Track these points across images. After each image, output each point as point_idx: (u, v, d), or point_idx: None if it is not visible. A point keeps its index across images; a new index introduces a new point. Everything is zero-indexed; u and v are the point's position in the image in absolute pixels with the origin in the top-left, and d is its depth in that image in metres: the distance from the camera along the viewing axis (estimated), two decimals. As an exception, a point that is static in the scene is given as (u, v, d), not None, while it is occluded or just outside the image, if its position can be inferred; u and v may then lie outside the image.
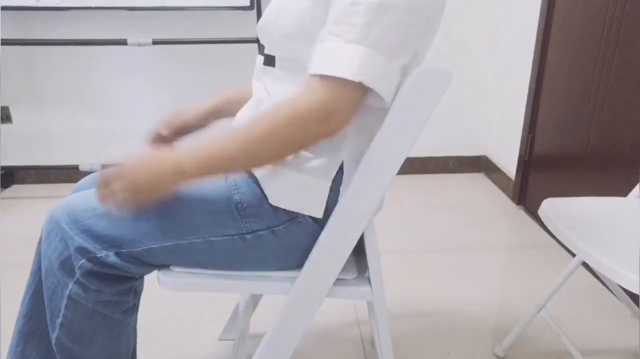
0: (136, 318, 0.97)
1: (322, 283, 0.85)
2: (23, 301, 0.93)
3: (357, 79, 0.72)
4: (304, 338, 1.40)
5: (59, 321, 0.85)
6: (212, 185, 0.85)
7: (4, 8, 2.09)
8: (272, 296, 0.90)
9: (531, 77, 2.14)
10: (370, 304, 0.95)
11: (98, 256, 0.81)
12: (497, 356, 1.34)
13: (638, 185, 1.23)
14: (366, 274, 0.89)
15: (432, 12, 0.78)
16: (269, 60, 0.86)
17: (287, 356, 0.89)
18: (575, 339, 1.40)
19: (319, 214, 0.83)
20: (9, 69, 2.34)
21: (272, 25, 0.84)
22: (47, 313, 0.87)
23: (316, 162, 0.82)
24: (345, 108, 0.75)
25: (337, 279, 0.86)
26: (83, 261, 0.81)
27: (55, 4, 2.10)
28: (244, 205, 0.83)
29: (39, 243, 0.91)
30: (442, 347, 1.38)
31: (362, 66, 0.72)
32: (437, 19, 0.82)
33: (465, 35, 2.44)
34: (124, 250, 0.82)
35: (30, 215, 2.20)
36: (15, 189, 2.48)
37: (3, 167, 2.44)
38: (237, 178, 0.86)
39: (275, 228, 0.84)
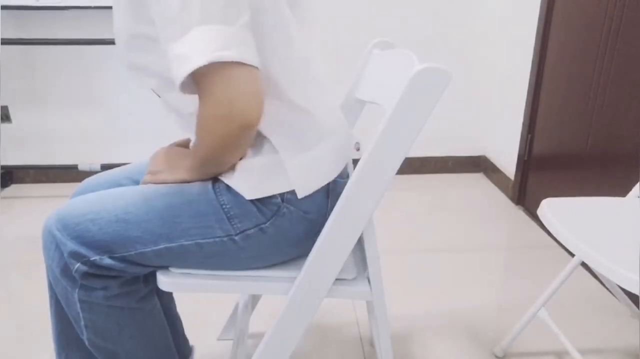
0: (160, 305, 0.96)
1: (322, 283, 0.85)
2: (50, 312, 0.94)
3: (207, 60, 0.66)
4: (304, 338, 1.40)
5: (82, 324, 0.86)
6: (198, 188, 0.84)
7: (4, 8, 2.08)
8: (272, 296, 0.90)
9: (531, 76, 2.14)
10: (370, 304, 0.95)
11: (92, 259, 0.81)
12: (497, 356, 1.34)
13: (638, 185, 1.23)
14: (366, 274, 0.89)
15: None
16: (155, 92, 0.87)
17: (287, 356, 0.89)
18: (575, 339, 1.40)
19: (294, 186, 0.82)
20: (8, 69, 2.34)
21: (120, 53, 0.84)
22: (71, 318, 0.88)
23: (262, 144, 0.82)
24: (235, 90, 0.69)
25: (337, 279, 0.86)
26: (78, 264, 0.81)
27: (55, 4, 2.09)
28: (229, 206, 0.82)
29: None
30: (442, 347, 1.38)
31: (205, 46, 0.67)
32: None
33: (464, 35, 2.44)
34: (116, 254, 0.82)
35: (29, 214, 2.20)
36: (15, 189, 2.48)
37: (2, 167, 2.44)
38: (220, 181, 0.85)
39: (263, 226, 0.83)
